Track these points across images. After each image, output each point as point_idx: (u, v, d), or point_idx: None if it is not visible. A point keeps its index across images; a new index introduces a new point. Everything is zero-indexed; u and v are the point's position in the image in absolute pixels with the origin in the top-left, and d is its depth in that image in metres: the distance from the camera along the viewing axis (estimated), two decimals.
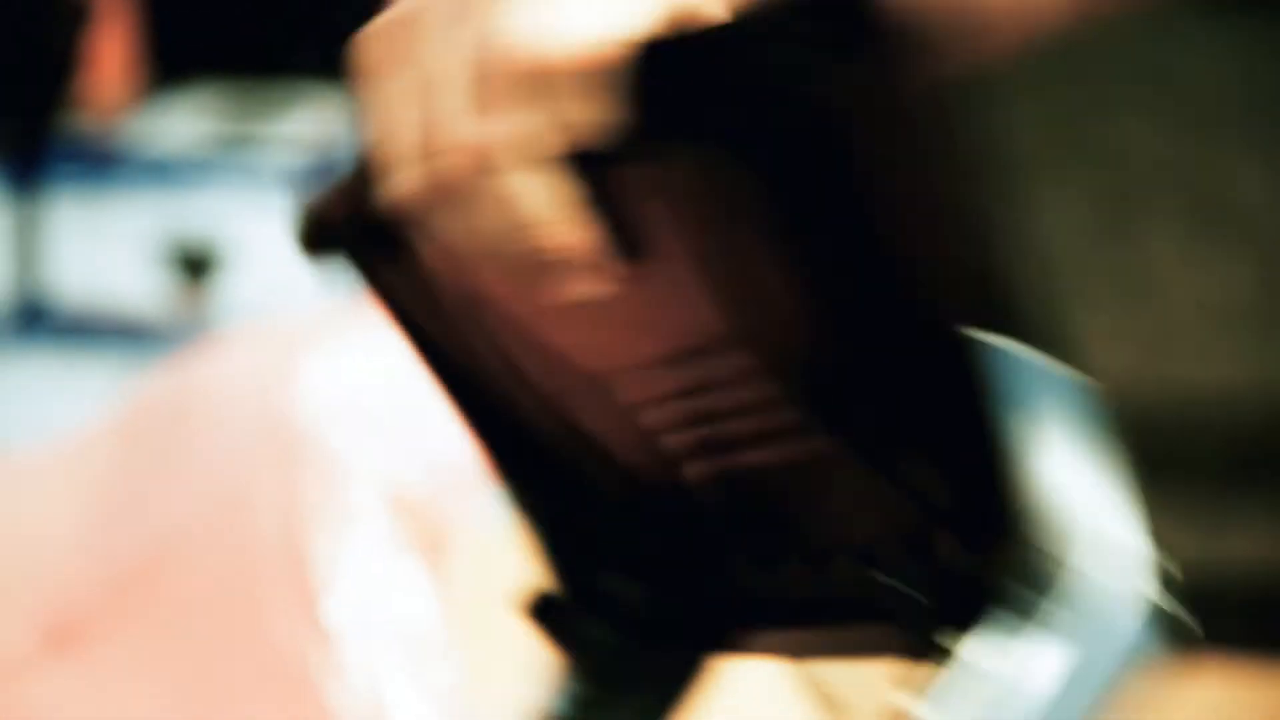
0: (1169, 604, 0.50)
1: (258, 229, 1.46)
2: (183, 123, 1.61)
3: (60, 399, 1.54)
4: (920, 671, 0.46)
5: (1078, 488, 0.49)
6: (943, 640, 0.45)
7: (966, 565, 0.45)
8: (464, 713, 0.73)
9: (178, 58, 1.69)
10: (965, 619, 0.45)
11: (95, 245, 1.50)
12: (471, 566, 0.79)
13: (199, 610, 0.74)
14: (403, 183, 0.41)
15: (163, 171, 1.54)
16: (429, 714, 0.72)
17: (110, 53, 1.60)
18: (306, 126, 1.59)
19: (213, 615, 0.74)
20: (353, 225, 0.42)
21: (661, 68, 0.34)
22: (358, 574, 0.72)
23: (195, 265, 1.48)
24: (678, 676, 0.55)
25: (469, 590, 0.77)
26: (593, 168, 0.32)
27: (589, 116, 0.32)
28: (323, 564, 0.71)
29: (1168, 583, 0.51)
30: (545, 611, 0.48)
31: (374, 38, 0.43)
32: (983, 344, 0.46)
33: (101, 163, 1.55)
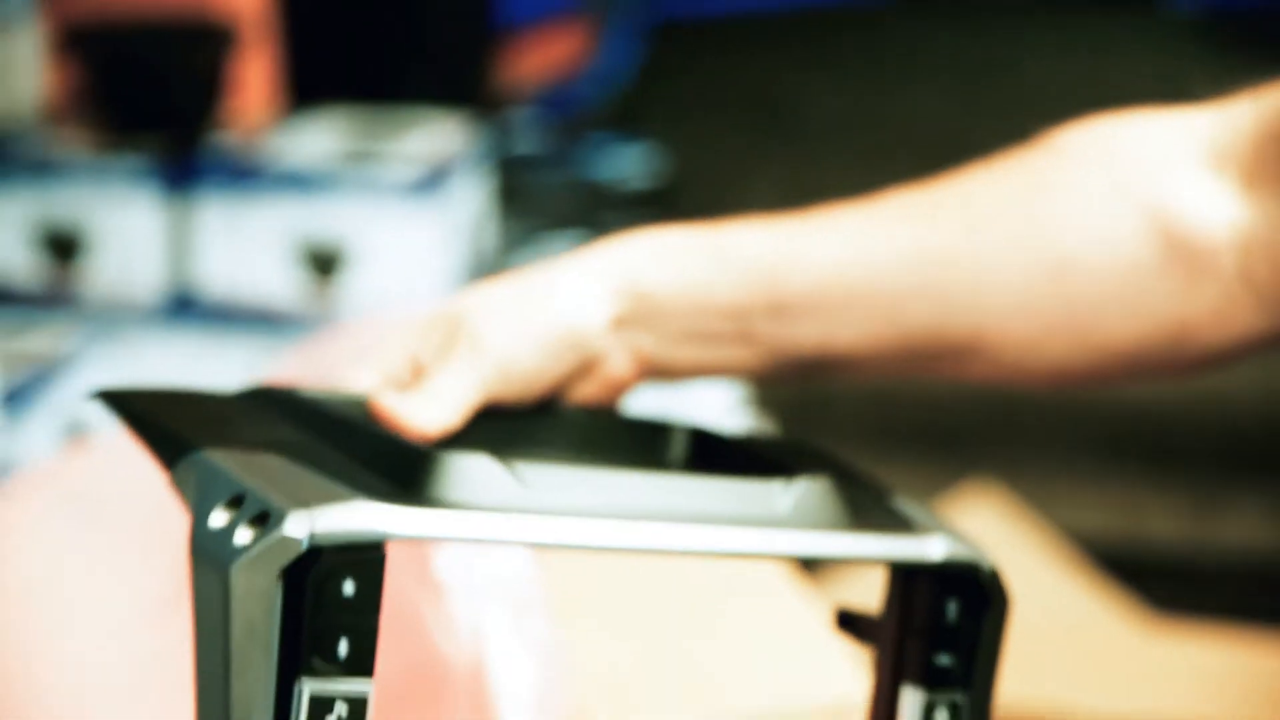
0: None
1: (379, 233, 1.53)
2: (315, 140, 1.62)
3: (206, 375, 1.57)
4: None
5: None
6: None
7: None
8: (560, 665, 0.69)
9: (312, 84, 1.73)
10: None
11: (238, 244, 1.53)
12: None
13: None
14: None
15: (297, 182, 1.55)
16: (529, 665, 0.67)
17: (254, 78, 1.64)
18: (422, 145, 1.62)
19: None
20: None
21: None
22: None
23: (324, 263, 1.52)
24: None
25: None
26: None
27: None
28: None
29: None
30: None
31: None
32: None
33: (244, 173, 1.56)
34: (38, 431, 1.38)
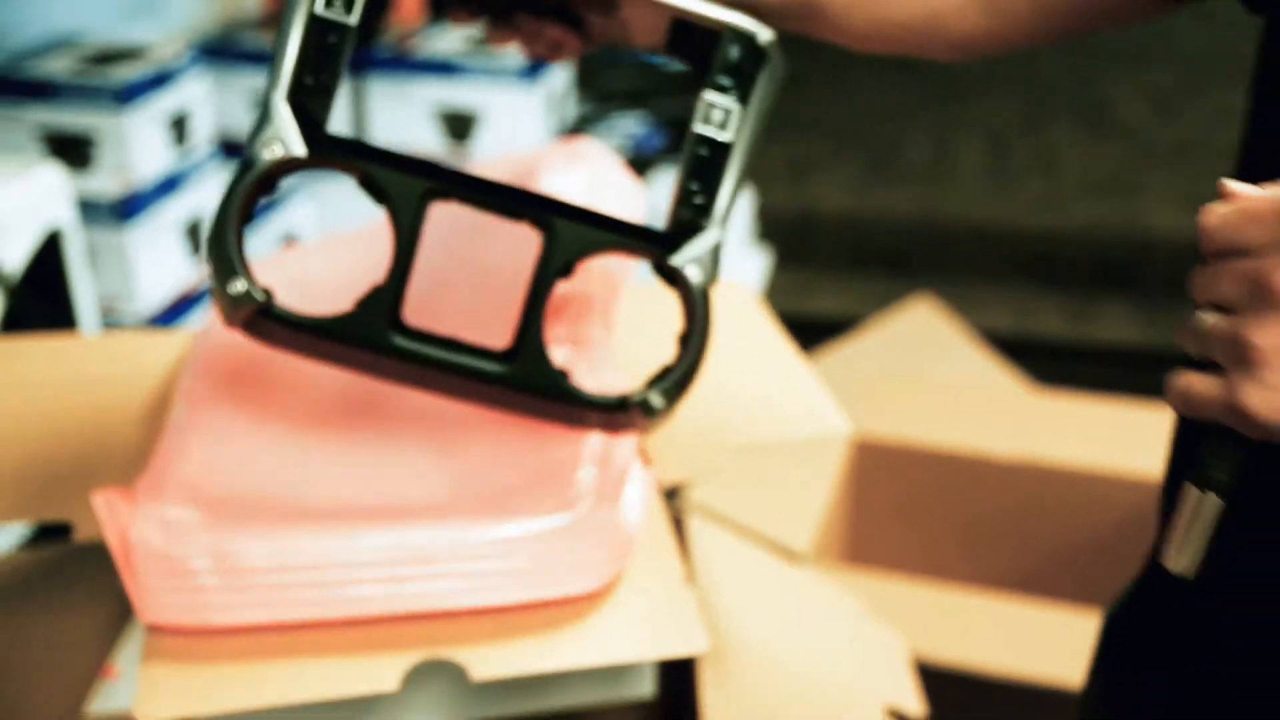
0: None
1: (498, 106, 1.62)
2: (451, 39, 1.68)
3: (377, 213, 1.75)
4: None
5: None
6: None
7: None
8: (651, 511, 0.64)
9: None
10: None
11: (396, 113, 1.64)
12: None
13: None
14: None
15: (439, 67, 1.62)
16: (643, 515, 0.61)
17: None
18: None
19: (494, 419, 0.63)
20: None
21: None
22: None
23: (458, 128, 1.63)
24: None
25: None
26: None
27: None
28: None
29: None
30: None
31: None
32: None
33: (401, 62, 1.64)
34: (265, 246, 1.53)
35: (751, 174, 0.69)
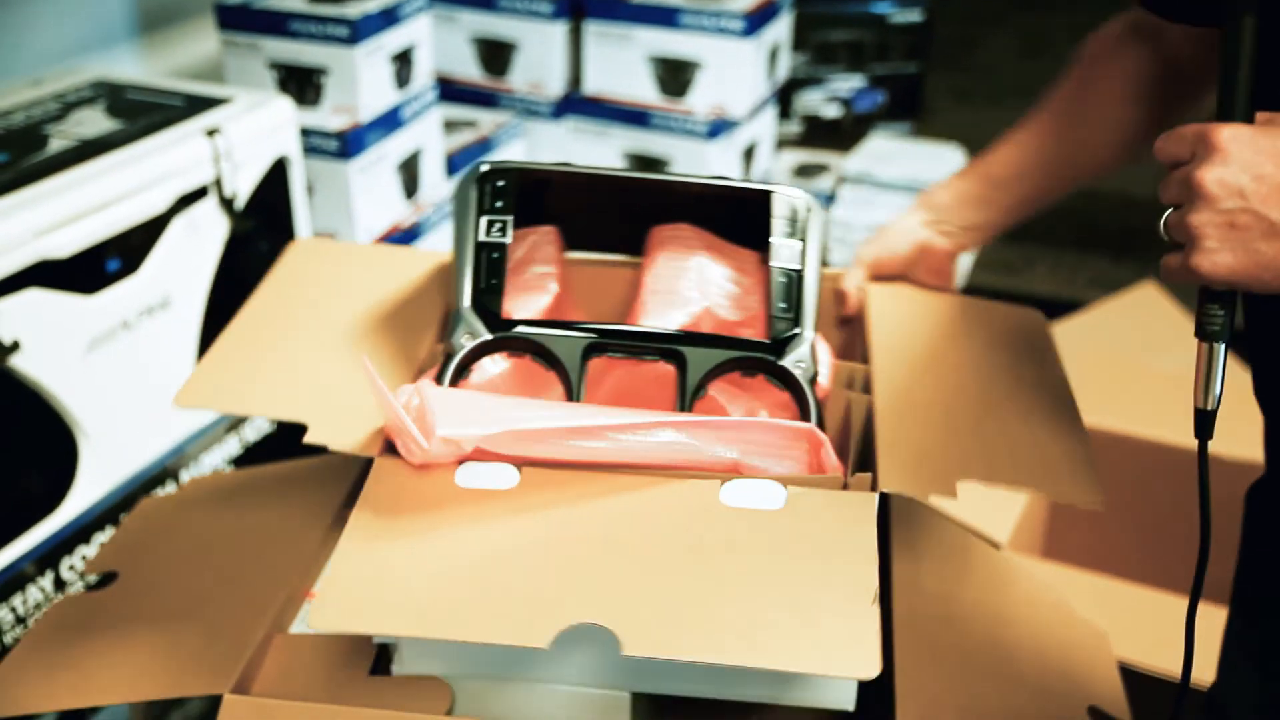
0: None
1: (717, 56, 1.61)
2: None
3: (586, 151, 1.78)
4: None
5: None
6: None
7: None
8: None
9: None
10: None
11: (614, 57, 1.66)
12: None
13: None
14: None
15: (659, 15, 1.64)
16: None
17: None
18: None
19: None
20: None
21: None
22: None
23: (675, 75, 1.65)
24: None
25: None
26: None
27: None
28: None
29: None
30: None
31: None
32: None
33: (620, 5, 1.66)
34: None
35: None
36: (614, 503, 0.65)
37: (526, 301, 0.80)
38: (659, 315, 0.80)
